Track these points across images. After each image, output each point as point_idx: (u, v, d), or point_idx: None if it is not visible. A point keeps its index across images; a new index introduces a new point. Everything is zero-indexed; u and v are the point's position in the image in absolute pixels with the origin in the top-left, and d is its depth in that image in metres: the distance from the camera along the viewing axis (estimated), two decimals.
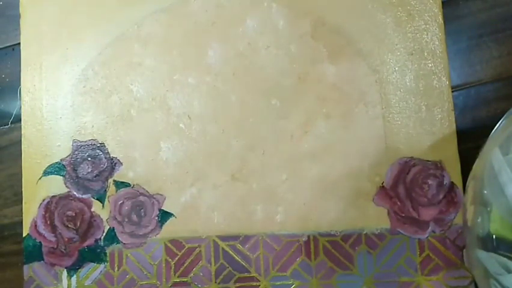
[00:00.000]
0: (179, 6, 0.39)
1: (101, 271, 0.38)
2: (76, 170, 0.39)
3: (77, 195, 0.39)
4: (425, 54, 0.37)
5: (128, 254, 0.38)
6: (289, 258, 0.37)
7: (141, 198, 0.38)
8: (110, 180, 0.38)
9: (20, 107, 0.40)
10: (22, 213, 0.39)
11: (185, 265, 0.37)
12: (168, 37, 0.39)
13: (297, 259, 0.37)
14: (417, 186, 0.36)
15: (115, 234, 0.38)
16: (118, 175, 0.38)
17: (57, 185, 0.39)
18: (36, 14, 0.40)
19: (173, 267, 0.37)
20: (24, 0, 0.41)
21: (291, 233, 0.37)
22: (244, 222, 0.37)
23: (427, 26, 0.37)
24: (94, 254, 0.38)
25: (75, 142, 0.39)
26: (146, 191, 0.38)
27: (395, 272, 0.36)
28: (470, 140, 0.36)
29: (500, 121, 0.29)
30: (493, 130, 0.29)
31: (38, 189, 0.39)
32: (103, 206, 0.38)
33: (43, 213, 0.39)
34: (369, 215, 0.36)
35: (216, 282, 0.37)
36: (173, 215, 0.38)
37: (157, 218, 0.38)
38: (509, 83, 0.36)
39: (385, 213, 0.36)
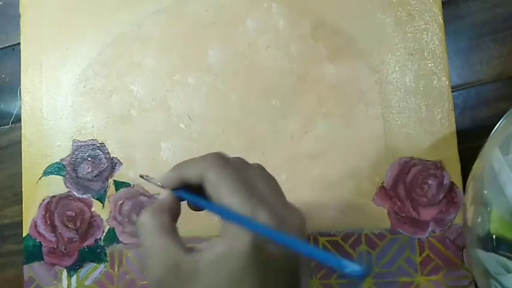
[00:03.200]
0: (179, 6, 0.39)
1: (101, 271, 0.38)
2: (76, 170, 0.39)
3: (77, 195, 0.39)
4: (425, 54, 0.36)
5: (129, 254, 0.38)
6: None
7: (141, 198, 0.38)
8: (110, 180, 0.38)
9: (20, 107, 0.40)
10: (22, 213, 0.39)
11: None
12: (168, 37, 0.39)
13: None
14: (417, 186, 0.36)
15: (115, 234, 0.38)
16: (118, 175, 0.38)
17: (57, 185, 0.39)
18: (36, 14, 0.40)
19: None
20: (24, 0, 0.41)
21: None
22: None
23: (427, 26, 0.37)
24: (94, 254, 0.38)
25: (75, 142, 0.39)
26: (146, 191, 0.38)
27: (395, 272, 0.36)
28: (470, 140, 0.36)
29: (500, 121, 0.29)
30: (493, 130, 0.29)
31: (38, 189, 0.39)
32: (103, 206, 0.38)
33: (43, 213, 0.39)
34: (369, 215, 0.36)
35: None
36: None
37: None
38: (509, 83, 0.36)
39: (385, 213, 0.36)
